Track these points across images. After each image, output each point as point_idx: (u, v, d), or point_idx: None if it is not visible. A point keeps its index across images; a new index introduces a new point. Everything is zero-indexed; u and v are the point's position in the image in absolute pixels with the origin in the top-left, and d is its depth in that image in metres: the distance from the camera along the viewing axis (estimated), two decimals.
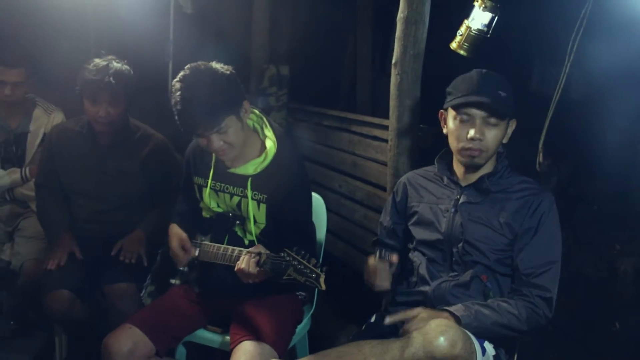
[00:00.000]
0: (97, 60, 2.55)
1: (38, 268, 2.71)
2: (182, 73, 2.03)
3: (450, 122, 1.99)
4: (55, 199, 2.76)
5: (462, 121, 1.95)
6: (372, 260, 2.00)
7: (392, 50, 2.57)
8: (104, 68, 2.50)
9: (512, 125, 1.99)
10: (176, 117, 2.04)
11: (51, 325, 2.69)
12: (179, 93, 1.99)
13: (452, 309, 1.83)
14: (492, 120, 1.91)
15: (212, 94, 1.98)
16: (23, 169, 3.03)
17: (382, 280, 1.98)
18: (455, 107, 1.95)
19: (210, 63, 2.06)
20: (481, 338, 1.81)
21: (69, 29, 3.90)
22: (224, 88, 2.01)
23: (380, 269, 1.98)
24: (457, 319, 1.80)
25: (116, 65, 2.54)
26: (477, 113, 1.91)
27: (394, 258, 1.98)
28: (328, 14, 5.05)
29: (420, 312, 1.86)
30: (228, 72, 2.06)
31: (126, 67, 2.58)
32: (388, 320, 1.91)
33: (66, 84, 2.62)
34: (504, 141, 1.98)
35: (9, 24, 3.63)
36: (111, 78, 2.48)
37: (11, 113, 3.06)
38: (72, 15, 3.87)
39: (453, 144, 2.00)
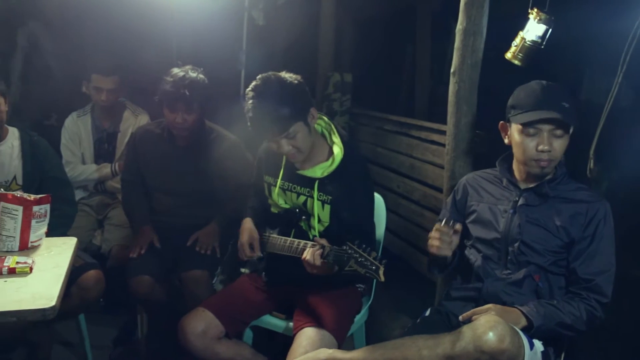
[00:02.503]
0: (175, 71, 2.58)
1: (124, 252, 2.81)
2: (254, 83, 2.06)
3: (516, 135, 1.93)
4: (138, 194, 2.82)
5: (528, 134, 1.89)
6: (438, 225, 1.98)
7: (449, 59, 2.54)
8: (180, 80, 2.53)
9: (571, 133, 1.92)
10: (249, 123, 2.07)
11: (134, 304, 2.78)
12: (251, 102, 2.02)
13: (524, 309, 1.81)
14: (559, 132, 1.87)
15: (280, 102, 1.99)
16: (113, 165, 3.16)
17: (444, 246, 1.96)
18: (524, 123, 1.89)
19: (280, 73, 2.08)
20: (540, 338, 1.79)
21: (154, 40, 4.02)
22: (291, 96, 2.02)
23: (444, 234, 1.96)
24: (529, 321, 1.78)
25: (192, 75, 2.56)
26: (545, 127, 1.87)
27: (458, 227, 1.96)
28: (389, 26, 5.05)
29: (490, 308, 1.85)
30: (296, 82, 2.07)
31: (201, 76, 2.60)
32: (461, 318, 1.91)
33: (151, 89, 2.70)
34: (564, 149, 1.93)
35: (105, 37, 3.78)
36: (186, 90, 2.51)
37: (104, 115, 3.21)
38: (157, 28, 4.00)
39: (520, 155, 1.94)
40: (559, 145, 1.89)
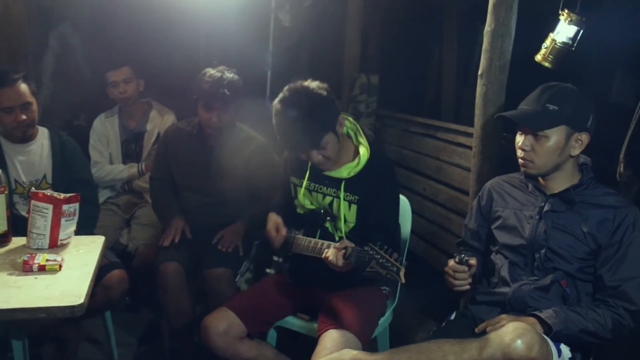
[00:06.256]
0: (211, 71, 2.59)
1: (150, 252, 2.85)
2: (281, 95, 2.07)
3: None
4: (168, 191, 2.84)
5: (518, 132, 1.93)
6: (452, 264, 1.96)
7: (476, 60, 2.52)
8: (218, 80, 2.54)
9: (582, 138, 1.88)
10: (278, 137, 2.07)
11: (158, 303, 2.79)
12: (280, 117, 2.03)
13: (543, 315, 1.78)
14: (540, 132, 1.86)
15: (310, 116, 2.00)
16: (140, 164, 3.20)
17: (461, 282, 1.95)
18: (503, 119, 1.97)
19: (307, 83, 2.07)
20: (565, 343, 1.76)
21: (182, 42, 4.07)
22: (321, 109, 2.03)
23: (459, 271, 1.95)
24: (548, 327, 1.75)
25: (228, 75, 2.58)
26: (525, 127, 1.90)
27: (472, 261, 1.94)
28: (415, 27, 5.03)
29: (502, 319, 1.83)
30: (324, 93, 2.06)
31: (236, 77, 2.61)
32: (477, 330, 1.89)
33: (179, 90, 2.73)
34: (572, 153, 1.89)
35: (133, 39, 3.84)
36: (225, 90, 2.53)
37: (131, 115, 3.25)
38: (184, 30, 4.05)
39: None
40: (542, 147, 1.88)
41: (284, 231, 2.27)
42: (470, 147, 2.74)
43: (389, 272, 1.80)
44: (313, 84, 2.07)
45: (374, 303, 2.24)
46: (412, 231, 2.55)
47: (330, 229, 2.26)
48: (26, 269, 1.74)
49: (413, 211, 2.53)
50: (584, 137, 1.89)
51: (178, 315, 2.66)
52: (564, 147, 1.88)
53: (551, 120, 1.85)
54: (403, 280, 1.79)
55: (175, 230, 2.68)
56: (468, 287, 1.97)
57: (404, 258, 2.43)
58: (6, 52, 3.03)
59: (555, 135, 1.86)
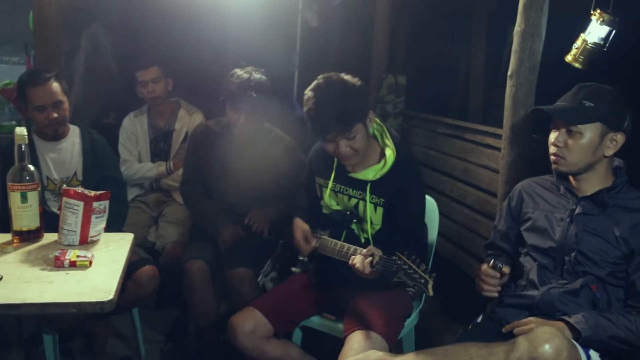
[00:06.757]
0: (238, 72, 2.58)
1: (177, 249, 2.88)
2: (315, 82, 2.07)
3: None
4: (202, 195, 2.82)
5: (552, 129, 1.91)
6: (485, 268, 1.94)
7: (505, 61, 2.49)
8: (246, 81, 2.53)
9: (617, 138, 1.85)
10: (308, 122, 2.07)
11: (184, 301, 2.82)
12: (313, 100, 2.03)
13: (572, 320, 1.75)
14: (574, 128, 1.84)
15: (344, 101, 2.00)
16: (168, 163, 3.24)
17: (490, 288, 1.93)
18: (535, 116, 1.97)
19: (341, 74, 2.08)
20: (595, 350, 1.73)
21: (211, 42, 4.10)
22: (355, 97, 2.03)
23: (490, 276, 1.92)
24: (577, 332, 1.72)
25: (256, 76, 2.56)
26: (560, 122, 1.88)
27: (506, 270, 1.91)
28: (443, 27, 4.99)
29: (530, 321, 1.81)
30: (359, 83, 2.08)
31: (264, 77, 2.60)
32: (504, 330, 1.87)
33: (207, 89, 2.74)
34: (606, 153, 1.86)
35: (163, 39, 3.89)
36: (253, 92, 2.52)
37: (159, 114, 3.29)
38: (213, 31, 4.08)
39: None
40: (575, 144, 1.85)
41: (313, 242, 2.27)
42: (498, 149, 2.71)
43: (417, 284, 1.78)
44: (346, 75, 2.09)
45: (400, 304, 2.22)
46: (439, 233, 2.53)
47: (356, 231, 2.25)
48: (58, 264, 1.77)
49: (440, 213, 2.51)
50: (619, 138, 1.85)
51: (203, 313, 2.69)
52: (598, 145, 1.85)
53: (586, 116, 1.83)
54: (431, 293, 1.77)
55: (232, 239, 2.65)
56: (496, 294, 1.95)
57: (431, 260, 2.41)
58: (40, 51, 3.09)
59: (589, 132, 1.84)
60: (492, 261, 1.92)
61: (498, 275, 1.91)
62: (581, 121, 1.83)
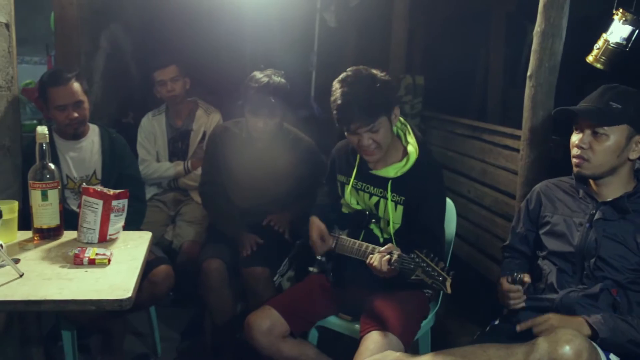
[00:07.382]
0: (257, 75, 2.56)
1: (194, 248, 2.89)
2: (343, 74, 2.08)
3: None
4: (222, 197, 2.81)
5: (575, 130, 1.88)
6: (506, 284, 1.92)
7: (524, 61, 2.47)
8: (265, 85, 2.50)
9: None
10: (334, 112, 2.07)
11: (201, 300, 2.83)
12: (340, 90, 2.04)
13: (590, 320, 1.73)
14: (600, 130, 1.80)
15: (370, 92, 2.01)
16: (186, 162, 3.26)
17: (517, 301, 1.92)
18: (558, 116, 1.92)
19: (369, 68, 2.10)
20: (615, 353, 1.70)
21: (229, 42, 4.12)
22: (381, 89, 2.04)
23: (513, 291, 1.91)
24: (594, 331, 1.70)
25: (275, 80, 2.53)
26: (585, 123, 1.84)
27: (527, 279, 1.89)
28: (462, 28, 4.97)
29: (549, 317, 1.79)
30: (387, 77, 2.09)
31: (283, 80, 2.56)
32: (519, 328, 1.85)
33: (225, 89, 2.74)
34: (631, 157, 1.83)
35: (181, 40, 3.91)
36: (271, 97, 2.50)
37: (177, 113, 3.31)
38: (231, 31, 4.10)
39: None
40: (600, 146, 1.82)
41: (330, 241, 2.27)
42: (517, 150, 2.70)
43: (435, 281, 1.78)
44: (375, 70, 2.10)
45: (417, 305, 2.22)
46: (457, 234, 2.52)
47: (375, 231, 2.25)
48: (77, 262, 1.78)
49: (457, 214, 2.50)
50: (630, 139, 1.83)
51: (220, 312, 2.69)
52: (624, 148, 1.82)
53: (614, 118, 1.80)
54: (449, 290, 1.77)
55: (249, 246, 2.65)
56: (524, 304, 1.93)
57: (448, 261, 2.40)
58: (61, 52, 3.13)
59: (615, 135, 1.81)
60: (510, 276, 1.91)
61: (520, 287, 1.90)
62: (609, 122, 1.80)
